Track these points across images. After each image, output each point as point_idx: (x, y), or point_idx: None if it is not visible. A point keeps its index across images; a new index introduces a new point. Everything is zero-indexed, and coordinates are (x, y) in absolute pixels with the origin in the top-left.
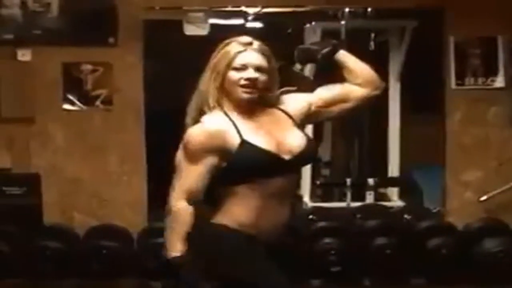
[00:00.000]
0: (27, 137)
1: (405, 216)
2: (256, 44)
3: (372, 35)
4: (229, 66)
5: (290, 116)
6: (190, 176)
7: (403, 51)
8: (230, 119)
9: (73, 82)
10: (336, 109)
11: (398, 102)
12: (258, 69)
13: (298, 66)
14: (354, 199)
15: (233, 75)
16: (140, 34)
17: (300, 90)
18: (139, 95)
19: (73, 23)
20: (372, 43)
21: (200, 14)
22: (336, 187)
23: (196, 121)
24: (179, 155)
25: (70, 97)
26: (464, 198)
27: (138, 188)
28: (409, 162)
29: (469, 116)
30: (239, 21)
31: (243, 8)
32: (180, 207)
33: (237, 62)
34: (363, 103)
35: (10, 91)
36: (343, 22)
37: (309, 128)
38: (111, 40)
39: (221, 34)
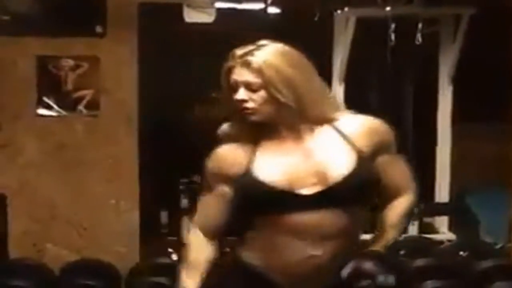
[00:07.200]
0: None
1: (460, 253)
2: (250, 54)
3: (420, 25)
4: (226, 84)
5: (343, 135)
6: (205, 208)
7: (458, 45)
8: (253, 139)
9: (50, 81)
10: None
11: (449, 110)
12: (247, 86)
13: None
14: None
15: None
16: (134, 21)
17: None
18: (132, 98)
19: (51, 8)
20: (419, 36)
21: None
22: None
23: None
24: None
25: (46, 99)
26: None
27: (128, 214)
28: (462, 185)
29: None
30: (252, 6)
31: None
32: (192, 237)
33: (231, 80)
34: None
35: None
36: (388, 8)
37: None
38: (98, 29)
39: (229, 22)
